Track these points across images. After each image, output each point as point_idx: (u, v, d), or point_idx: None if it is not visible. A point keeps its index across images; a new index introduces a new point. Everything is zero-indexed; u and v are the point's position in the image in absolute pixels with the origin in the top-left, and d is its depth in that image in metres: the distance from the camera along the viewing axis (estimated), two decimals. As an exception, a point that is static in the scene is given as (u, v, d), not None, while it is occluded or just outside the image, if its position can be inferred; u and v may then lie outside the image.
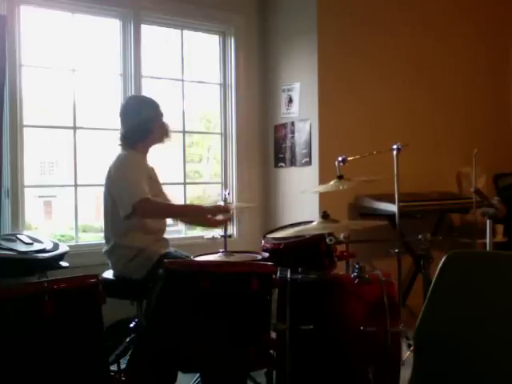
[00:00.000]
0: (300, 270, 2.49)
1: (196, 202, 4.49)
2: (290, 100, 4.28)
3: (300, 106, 4.20)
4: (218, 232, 3.61)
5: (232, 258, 2.77)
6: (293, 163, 4.28)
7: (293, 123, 4.27)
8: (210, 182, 4.71)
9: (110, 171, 2.86)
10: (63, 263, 3.14)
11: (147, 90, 4.01)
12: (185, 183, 4.31)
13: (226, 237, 2.93)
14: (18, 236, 3.20)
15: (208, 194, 4.70)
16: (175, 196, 4.32)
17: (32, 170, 3.77)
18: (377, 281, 2.35)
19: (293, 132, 4.27)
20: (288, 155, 4.32)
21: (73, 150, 3.80)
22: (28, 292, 1.66)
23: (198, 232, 4.34)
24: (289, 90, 4.29)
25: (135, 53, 3.96)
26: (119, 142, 2.94)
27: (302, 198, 4.09)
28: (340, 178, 2.86)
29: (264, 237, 3.18)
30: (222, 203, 2.99)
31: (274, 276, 2.26)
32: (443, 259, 1.76)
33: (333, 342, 2.25)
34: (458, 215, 4.70)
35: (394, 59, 4.43)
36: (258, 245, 3.25)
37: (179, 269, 2.24)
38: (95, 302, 1.76)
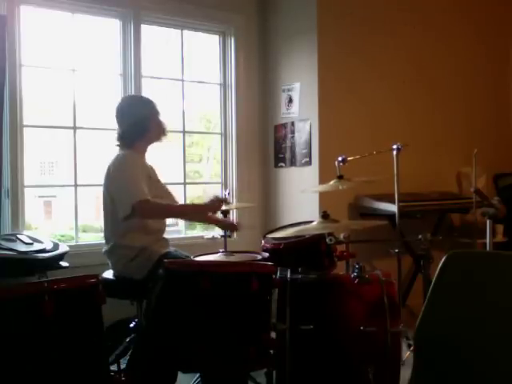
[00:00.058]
0: (300, 270, 2.49)
1: (196, 202, 4.48)
2: (290, 100, 4.28)
3: (300, 106, 4.20)
4: (217, 232, 3.60)
5: (232, 258, 2.77)
6: (293, 163, 4.28)
7: (293, 123, 4.27)
8: (210, 182, 4.71)
9: (108, 171, 2.86)
10: (63, 263, 3.14)
11: (147, 90, 4.01)
12: (185, 183, 4.31)
13: (226, 237, 2.93)
14: (18, 236, 3.20)
15: (208, 194, 4.69)
16: (175, 196, 4.32)
17: (32, 170, 3.77)
18: (377, 281, 2.35)
19: (293, 132, 4.27)
20: (288, 155, 4.32)
21: (73, 150, 3.80)
22: (28, 292, 1.66)
23: (198, 232, 4.34)
24: (289, 90, 4.29)
25: (135, 53, 3.96)
26: (117, 143, 2.94)
27: (302, 198, 4.09)
28: (340, 177, 2.86)
29: (264, 237, 3.19)
30: (219, 195, 2.98)
31: (274, 276, 2.26)
32: (443, 259, 1.76)
33: (333, 342, 2.25)
34: (458, 215, 4.70)
35: (394, 59, 4.43)
36: (257, 245, 3.25)
37: (179, 269, 2.24)
38: (95, 301, 1.76)
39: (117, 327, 2.97)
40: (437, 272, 1.76)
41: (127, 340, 2.87)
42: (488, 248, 3.09)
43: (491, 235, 3.09)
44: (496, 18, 5.07)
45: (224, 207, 2.95)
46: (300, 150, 4.20)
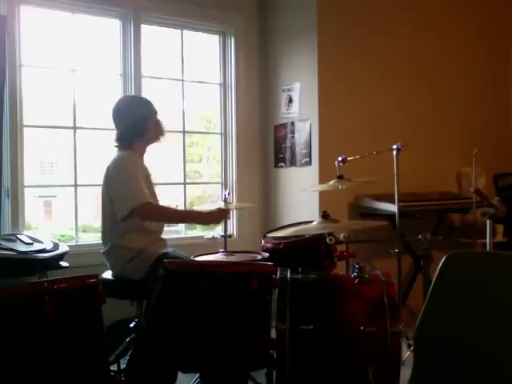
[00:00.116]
0: (300, 270, 2.49)
1: (196, 202, 4.48)
2: (290, 100, 4.28)
3: (300, 106, 4.20)
4: (217, 232, 3.61)
5: (232, 258, 2.77)
6: (293, 163, 4.28)
7: (293, 123, 4.27)
8: (210, 182, 4.72)
9: (107, 172, 2.85)
10: (63, 263, 3.14)
11: (147, 90, 4.01)
12: (185, 183, 4.31)
13: (226, 237, 2.93)
14: (18, 236, 3.20)
15: (208, 194, 4.70)
16: (175, 196, 4.33)
17: (32, 170, 3.77)
18: (377, 281, 2.35)
19: (293, 132, 4.27)
20: (288, 155, 4.32)
21: (73, 150, 3.80)
22: (28, 292, 1.66)
23: (198, 232, 4.34)
24: (289, 90, 4.29)
25: (135, 53, 3.96)
26: (115, 144, 2.93)
27: (302, 198, 4.09)
28: (340, 178, 2.87)
29: (264, 237, 3.19)
30: (222, 205, 2.97)
31: (274, 276, 2.26)
32: (443, 259, 1.76)
33: (333, 342, 2.25)
34: (458, 215, 4.70)
35: (394, 59, 4.43)
36: (257, 245, 3.25)
37: (179, 269, 2.24)
38: (95, 301, 1.76)
39: (117, 327, 2.97)
40: (437, 272, 1.76)
41: (127, 340, 2.87)
42: (488, 248, 3.09)
43: (491, 235, 3.09)
44: (496, 18, 5.07)
45: (224, 207, 2.96)
46: (300, 149, 4.20)
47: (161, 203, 2.95)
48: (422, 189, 4.28)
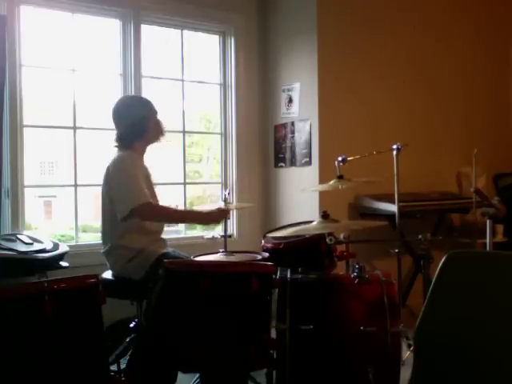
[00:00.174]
0: (300, 270, 2.49)
1: (196, 202, 4.48)
2: (290, 100, 4.28)
3: (300, 106, 4.20)
4: (217, 232, 3.61)
5: (232, 258, 2.77)
6: (293, 163, 4.28)
7: (293, 123, 4.27)
8: (210, 182, 4.72)
9: (108, 172, 2.85)
10: (63, 263, 3.14)
11: (147, 90, 4.01)
12: (185, 183, 4.31)
13: (226, 237, 2.93)
14: (18, 236, 3.20)
15: (208, 194, 4.70)
16: (175, 196, 4.33)
17: (32, 170, 3.77)
18: (377, 281, 2.35)
19: (293, 132, 4.27)
20: (288, 155, 4.32)
21: (73, 150, 3.80)
22: (28, 292, 1.66)
23: (198, 232, 4.34)
24: (289, 90, 4.29)
25: (135, 53, 3.96)
26: (115, 144, 2.93)
27: (302, 198, 4.09)
28: (340, 177, 2.87)
29: (264, 237, 3.19)
30: (221, 205, 2.97)
31: (274, 276, 2.26)
32: (443, 259, 1.76)
33: (333, 342, 2.25)
34: (458, 215, 4.70)
35: (394, 59, 4.43)
36: (257, 245, 3.25)
37: (179, 269, 2.24)
38: (95, 301, 1.76)
39: (117, 327, 2.97)
40: (437, 272, 1.76)
41: (127, 340, 2.87)
42: (488, 248, 3.09)
43: (491, 235, 3.09)
44: (496, 18, 5.07)
45: (224, 207, 2.96)
46: (300, 149, 4.20)
47: (161, 203, 2.95)
48: (422, 189, 4.28)
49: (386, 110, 4.36)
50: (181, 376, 2.51)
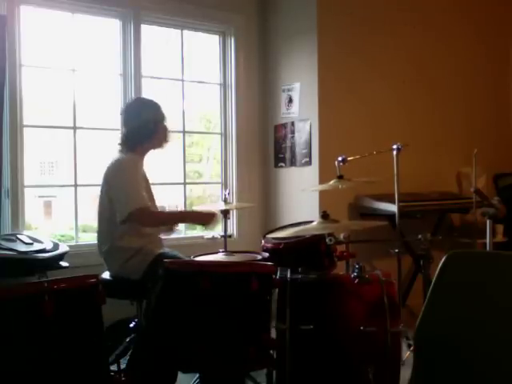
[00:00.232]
0: (300, 270, 2.49)
1: (196, 202, 4.48)
2: (290, 100, 4.28)
3: (300, 106, 4.20)
4: (217, 232, 3.61)
5: (232, 258, 2.77)
6: (293, 163, 4.27)
7: (293, 123, 4.27)
8: (210, 182, 4.71)
9: (107, 173, 2.86)
10: (63, 263, 3.14)
11: (147, 90, 4.01)
12: (185, 183, 4.31)
13: (225, 237, 2.93)
14: (18, 236, 3.20)
15: (208, 194, 4.70)
16: (175, 196, 4.33)
17: (32, 170, 3.77)
18: (377, 281, 2.35)
19: (293, 132, 4.27)
20: (288, 155, 4.32)
21: (73, 150, 3.80)
22: (28, 292, 1.66)
23: (198, 232, 4.34)
24: (289, 90, 4.29)
25: (135, 53, 3.96)
26: (119, 142, 2.93)
27: (302, 198, 4.09)
28: (340, 177, 2.87)
29: (264, 237, 3.19)
30: (221, 206, 2.98)
31: (274, 276, 2.26)
32: (443, 259, 1.76)
33: (333, 342, 2.25)
34: (458, 215, 4.70)
35: (394, 59, 4.43)
36: (257, 245, 3.25)
37: (179, 269, 2.24)
38: (95, 301, 1.76)
39: (117, 327, 2.97)
40: (437, 272, 1.76)
41: (127, 340, 2.87)
42: (488, 248, 3.09)
43: (491, 235, 3.09)
44: (496, 18, 5.07)
45: (224, 207, 2.96)
46: (300, 149, 4.20)
47: (160, 203, 2.95)
48: (422, 189, 4.28)
49: (386, 110, 4.36)
50: (181, 376, 2.51)
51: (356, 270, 2.38)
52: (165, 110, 3.02)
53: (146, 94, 3.94)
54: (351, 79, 4.21)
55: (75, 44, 3.80)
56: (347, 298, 2.33)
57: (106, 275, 2.88)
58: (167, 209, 4.28)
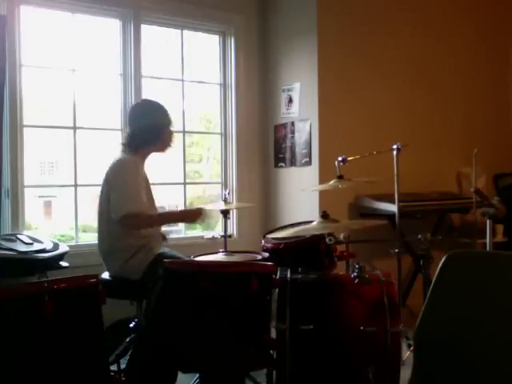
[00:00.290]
0: (300, 270, 2.49)
1: (196, 202, 4.48)
2: (290, 100, 4.28)
3: (300, 106, 4.20)
4: (217, 232, 3.61)
5: (232, 258, 2.77)
6: (293, 163, 4.28)
7: (293, 123, 4.27)
8: (210, 182, 4.71)
9: (108, 175, 2.85)
10: (63, 263, 3.14)
11: (147, 90, 4.01)
12: (185, 183, 4.31)
13: (225, 237, 2.93)
14: (18, 236, 3.20)
15: (208, 194, 4.70)
16: (175, 196, 4.33)
17: (32, 170, 3.77)
18: (377, 281, 2.35)
19: (293, 132, 4.27)
20: (288, 155, 4.32)
21: (73, 150, 3.80)
22: (28, 292, 1.66)
23: (198, 232, 4.35)
24: (289, 90, 4.29)
25: (135, 53, 3.96)
26: (123, 141, 2.93)
27: (302, 198, 4.09)
28: (340, 177, 2.87)
29: (264, 237, 3.19)
30: (200, 206, 2.99)
31: (274, 276, 2.26)
32: (443, 259, 1.76)
33: (333, 342, 2.25)
34: (458, 215, 4.70)
35: (394, 59, 4.43)
36: (257, 245, 3.25)
37: (179, 269, 2.24)
38: (95, 301, 1.76)
39: (117, 327, 2.97)
40: (437, 272, 1.76)
41: (127, 340, 2.87)
42: (488, 248, 3.09)
43: (491, 235, 3.09)
44: (496, 18, 5.07)
45: (224, 207, 2.96)
46: (300, 149, 4.20)
47: (160, 203, 2.95)
48: (422, 189, 4.28)
49: (386, 110, 4.36)
50: (181, 376, 2.51)
51: (356, 270, 2.38)
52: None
53: (146, 94, 3.94)
54: (351, 79, 4.21)
55: (75, 44, 3.80)
56: (347, 298, 2.33)
57: (106, 275, 2.88)
58: (167, 209, 4.28)
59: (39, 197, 4.19)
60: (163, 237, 3.12)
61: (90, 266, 2.91)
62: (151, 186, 3.03)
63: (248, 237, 4.27)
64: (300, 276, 2.42)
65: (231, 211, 4.22)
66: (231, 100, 4.43)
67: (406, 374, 1.98)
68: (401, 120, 4.41)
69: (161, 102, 3.05)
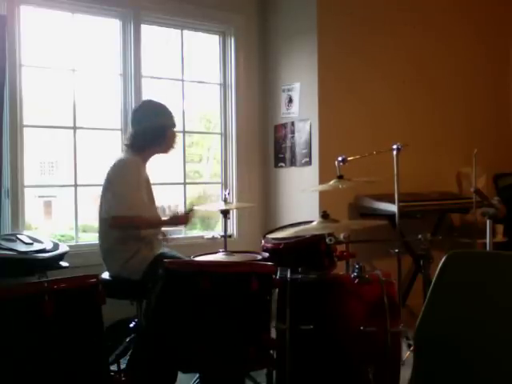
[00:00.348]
0: (300, 270, 2.49)
1: (196, 202, 4.48)
2: (290, 100, 4.28)
3: (300, 106, 4.20)
4: (217, 232, 3.61)
5: (232, 258, 2.77)
6: (293, 163, 4.27)
7: (293, 123, 4.27)
8: (210, 182, 4.71)
9: (109, 174, 2.85)
10: (63, 263, 3.14)
11: (147, 90, 4.01)
12: (185, 183, 4.31)
13: (225, 237, 2.93)
14: (18, 236, 3.20)
15: (208, 194, 4.70)
16: (175, 196, 4.33)
17: (32, 170, 3.77)
18: (377, 281, 2.35)
19: (293, 132, 4.27)
20: (288, 155, 4.32)
21: (73, 150, 3.80)
22: (28, 292, 1.66)
23: (198, 232, 4.35)
24: (289, 90, 4.29)
25: (135, 53, 3.96)
26: (126, 142, 2.93)
27: (302, 198, 4.09)
28: (340, 177, 2.87)
29: (264, 237, 3.18)
30: (181, 211, 3.01)
31: (273, 276, 2.26)
32: (443, 259, 1.76)
33: (333, 342, 2.25)
34: (458, 215, 4.70)
35: (394, 59, 4.43)
36: (257, 245, 3.25)
37: (179, 269, 2.24)
38: (95, 301, 1.76)
39: (117, 327, 2.97)
40: (437, 272, 1.76)
41: (127, 340, 2.87)
42: (488, 248, 3.09)
43: (491, 235, 3.09)
44: (496, 18, 5.07)
45: (224, 207, 2.96)
46: (300, 149, 4.20)
47: (160, 203, 2.96)
48: (422, 189, 4.28)
49: (386, 109, 4.36)
50: (181, 376, 2.51)
51: (356, 270, 2.38)
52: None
53: (146, 94, 3.95)
54: (351, 79, 4.21)
55: (75, 44, 3.80)
56: (347, 297, 2.33)
57: (106, 275, 2.88)
58: (167, 209, 4.28)
59: (39, 197, 4.19)
60: (163, 235, 3.11)
61: (90, 266, 2.91)
62: (152, 187, 3.03)
63: (248, 237, 4.27)
64: (300, 276, 2.42)
65: (231, 211, 4.22)
66: (231, 100, 4.43)
67: (406, 374, 1.98)
68: (401, 120, 4.41)
69: (165, 104, 3.05)
